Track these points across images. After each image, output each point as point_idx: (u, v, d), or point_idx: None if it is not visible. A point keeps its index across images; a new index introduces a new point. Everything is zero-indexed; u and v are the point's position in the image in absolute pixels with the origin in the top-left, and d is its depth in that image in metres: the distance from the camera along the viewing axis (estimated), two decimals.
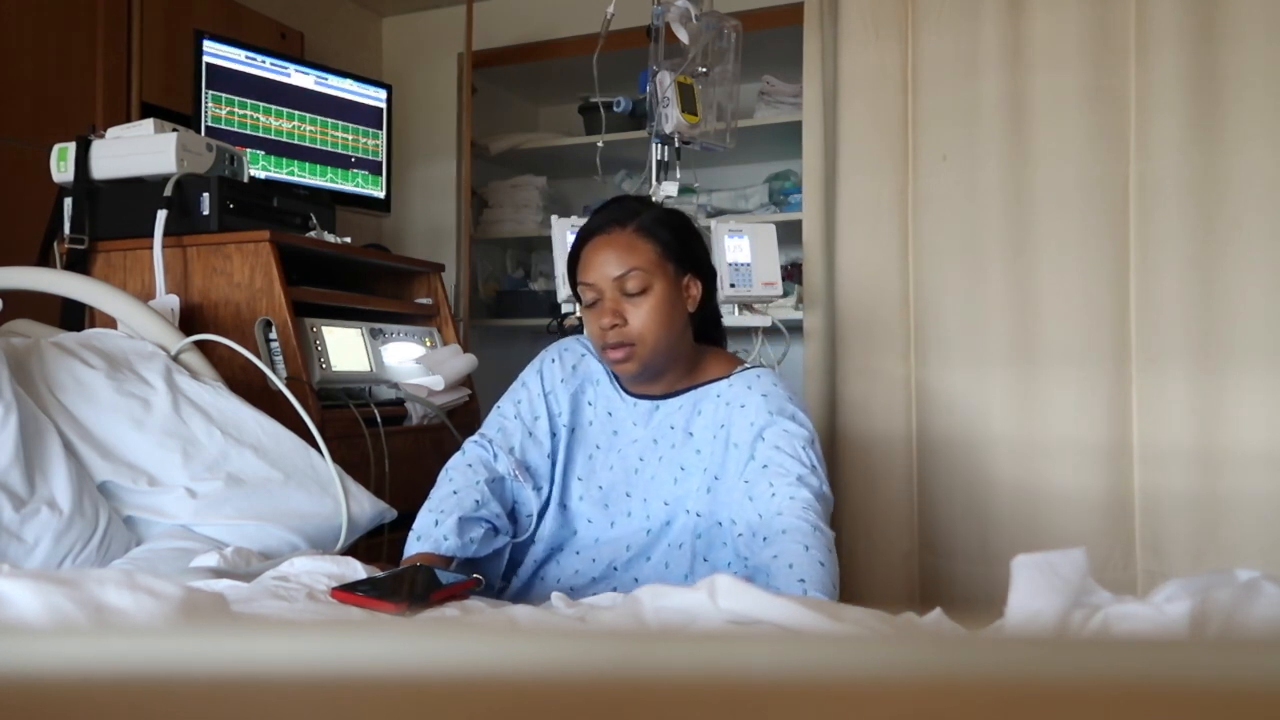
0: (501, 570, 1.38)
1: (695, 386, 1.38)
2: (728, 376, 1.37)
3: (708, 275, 1.39)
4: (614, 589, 1.29)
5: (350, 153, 2.59)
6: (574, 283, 1.37)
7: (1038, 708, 0.23)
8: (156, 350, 1.54)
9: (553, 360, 1.46)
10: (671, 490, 1.34)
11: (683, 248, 1.34)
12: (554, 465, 1.41)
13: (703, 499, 1.31)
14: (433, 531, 1.30)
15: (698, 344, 1.41)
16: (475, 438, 1.44)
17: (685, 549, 1.30)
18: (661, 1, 2.00)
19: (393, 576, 1.10)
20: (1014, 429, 2.07)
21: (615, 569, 1.34)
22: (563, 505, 1.39)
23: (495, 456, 1.40)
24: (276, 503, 1.39)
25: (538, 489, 1.39)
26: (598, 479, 1.39)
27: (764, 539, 1.20)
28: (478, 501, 1.34)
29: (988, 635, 0.62)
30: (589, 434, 1.41)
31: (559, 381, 1.43)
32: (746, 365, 1.40)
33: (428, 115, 3.54)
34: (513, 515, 1.40)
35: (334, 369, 1.95)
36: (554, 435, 1.42)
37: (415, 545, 1.31)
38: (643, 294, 1.29)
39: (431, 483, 1.40)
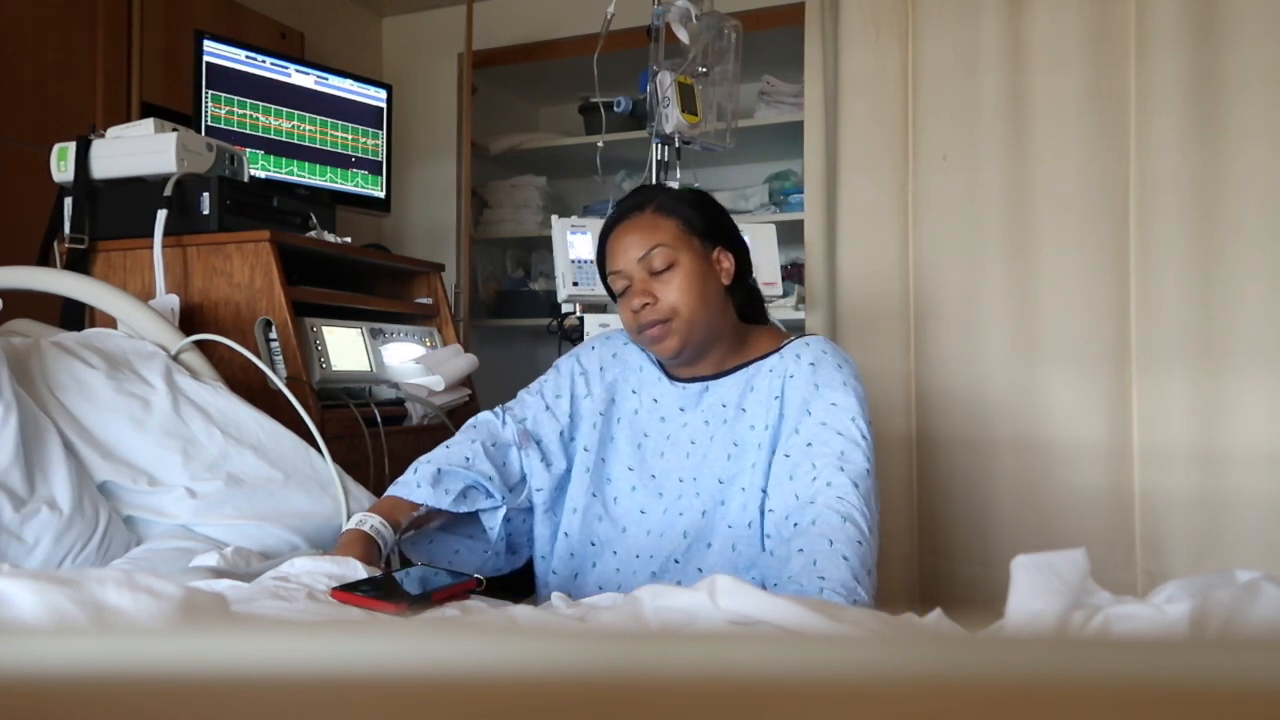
0: (497, 532, 1.35)
1: (746, 364, 1.34)
2: (778, 350, 1.33)
3: (739, 248, 1.36)
4: (678, 583, 1.25)
5: (350, 152, 2.59)
6: (604, 278, 1.35)
7: (1038, 708, 0.23)
8: (156, 350, 1.54)
9: (591, 348, 1.45)
10: (725, 468, 1.29)
11: (706, 221, 1.32)
12: (574, 449, 1.38)
13: (763, 475, 1.26)
14: (408, 479, 1.30)
15: (744, 323, 1.38)
16: (494, 409, 1.44)
17: (754, 528, 1.24)
18: (662, 1, 2.00)
19: (393, 576, 1.10)
20: (1014, 429, 2.07)
21: (676, 561, 1.28)
22: (595, 495, 1.35)
23: (504, 424, 1.39)
24: (276, 503, 1.39)
25: (547, 464, 1.37)
26: (649, 468, 1.34)
27: (794, 524, 1.17)
28: (467, 459, 1.33)
29: (988, 635, 0.62)
30: (636, 422, 1.38)
31: (595, 368, 1.42)
32: (794, 336, 1.37)
33: (428, 115, 3.54)
34: (520, 487, 1.37)
35: (334, 369, 1.95)
36: (575, 417, 1.39)
37: (389, 491, 1.31)
38: (670, 269, 1.27)
39: None
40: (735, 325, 1.36)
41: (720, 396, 1.33)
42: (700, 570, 1.26)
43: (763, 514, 1.25)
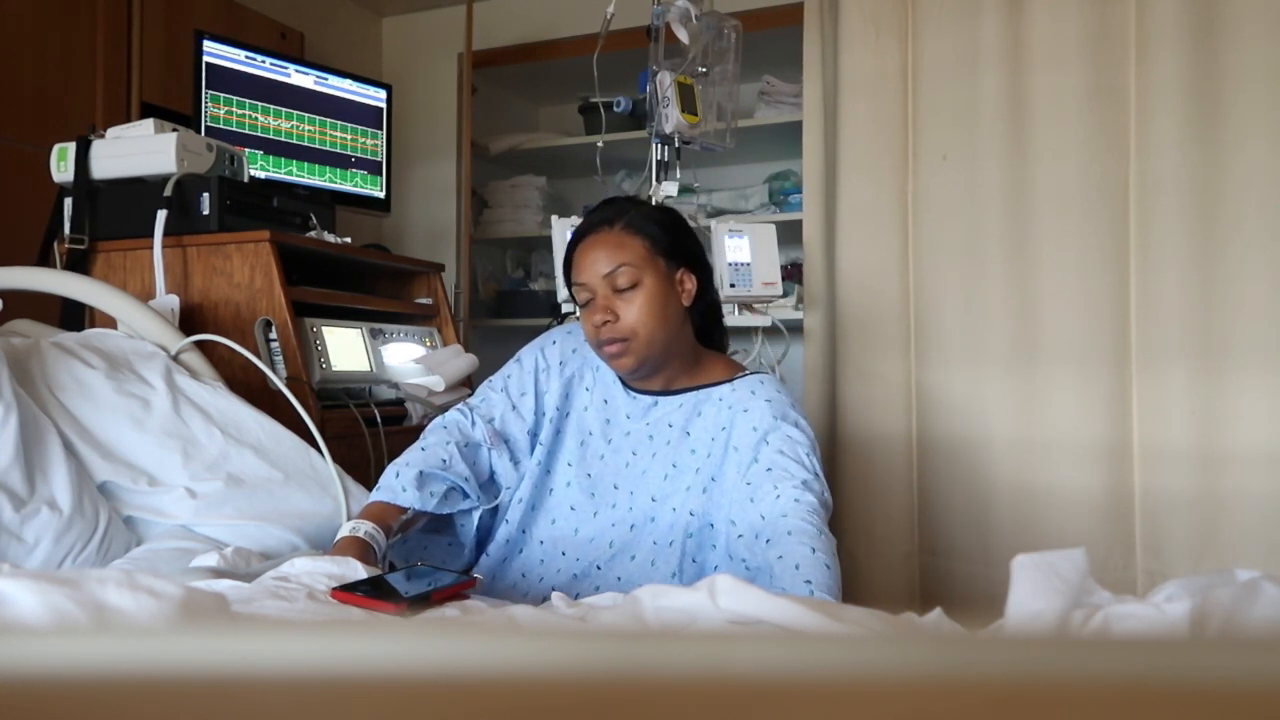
0: (473, 534, 1.39)
1: (697, 388, 1.38)
2: (730, 380, 1.37)
3: (702, 269, 1.39)
4: (596, 588, 1.30)
5: (350, 153, 2.59)
6: (569, 285, 1.38)
7: (1038, 708, 0.23)
8: (156, 350, 1.54)
9: (554, 342, 1.47)
10: (660, 486, 1.33)
11: (673, 242, 1.34)
12: (535, 444, 1.41)
13: (696, 499, 1.30)
14: (392, 483, 1.31)
15: (700, 346, 1.41)
16: (458, 406, 1.45)
17: (675, 547, 1.30)
18: (661, 1, 2.00)
19: (392, 577, 1.10)
20: (1014, 429, 2.06)
21: (598, 567, 1.33)
22: (537, 486, 1.39)
23: (473, 424, 1.41)
24: (276, 503, 1.39)
25: (515, 462, 1.40)
26: (588, 466, 1.38)
27: (767, 540, 1.19)
28: (444, 461, 1.35)
29: (988, 635, 0.62)
30: (583, 419, 1.41)
31: (556, 363, 1.44)
32: (748, 371, 1.40)
33: (428, 115, 3.54)
34: (489, 486, 1.40)
35: (334, 369, 1.95)
36: (539, 414, 1.42)
37: (373, 496, 1.32)
38: (633, 289, 1.30)
39: None
40: (692, 345, 1.39)
41: (667, 415, 1.37)
42: (620, 579, 1.31)
43: (687, 535, 1.29)
